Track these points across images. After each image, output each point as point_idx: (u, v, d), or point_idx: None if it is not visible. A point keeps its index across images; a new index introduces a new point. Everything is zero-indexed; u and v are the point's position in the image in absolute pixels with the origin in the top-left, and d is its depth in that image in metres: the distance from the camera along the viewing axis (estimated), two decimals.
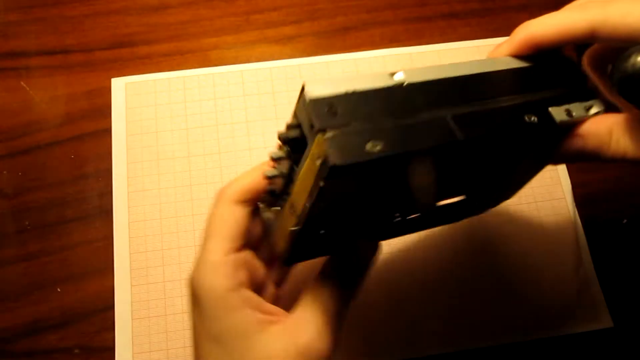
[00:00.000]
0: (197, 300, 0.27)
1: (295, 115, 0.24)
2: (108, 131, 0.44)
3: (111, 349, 0.38)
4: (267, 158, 0.29)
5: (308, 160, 0.24)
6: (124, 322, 0.39)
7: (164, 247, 0.41)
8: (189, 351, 0.38)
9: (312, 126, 0.22)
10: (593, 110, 0.28)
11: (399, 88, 0.24)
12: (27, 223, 0.41)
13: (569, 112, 0.27)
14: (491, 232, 0.42)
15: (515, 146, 0.28)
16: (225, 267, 0.27)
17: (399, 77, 0.25)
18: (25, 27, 0.47)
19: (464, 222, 0.42)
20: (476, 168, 0.29)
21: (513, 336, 0.40)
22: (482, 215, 0.43)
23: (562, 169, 0.44)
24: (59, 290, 0.40)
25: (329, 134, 0.22)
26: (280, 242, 0.28)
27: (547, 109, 0.27)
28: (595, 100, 0.28)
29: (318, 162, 0.22)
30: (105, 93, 0.45)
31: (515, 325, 0.40)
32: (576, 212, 0.43)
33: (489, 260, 0.41)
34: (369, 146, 0.22)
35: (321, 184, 0.22)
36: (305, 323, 0.27)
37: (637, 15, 0.23)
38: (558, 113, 0.27)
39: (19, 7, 0.48)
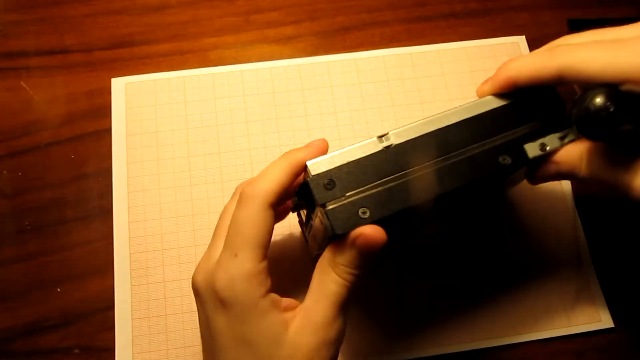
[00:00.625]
0: (227, 305, 0.28)
1: (304, 177, 0.29)
2: (108, 131, 0.44)
3: (111, 349, 0.38)
4: (267, 158, 0.31)
5: (317, 220, 0.29)
6: (124, 322, 0.39)
7: (164, 247, 0.41)
8: (188, 351, 0.38)
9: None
10: (568, 139, 0.30)
11: (387, 150, 0.29)
12: (27, 223, 0.41)
13: (543, 146, 0.30)
14: (491, 233, 0.42)
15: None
16: (259, 275, 0.28)
17: (387, 141, 0.29)
18: (25, 27, 0.47)
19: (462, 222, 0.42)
20: (468, 189, 0.31)
21: (513, 337, 0.40)
22: (481, 215, 0.43)
23: None
24: (59, 290, 0.40)
25: (328, 207, 0.27)
26: (312, 251, 0.34)
27: (522, 146, 0.30)
28: (570, 128, 0.30)
29: (322, 228, 0.28)
30: (105, 93, 0.45)
31: (515, 325, 0.40)
32: (576, 212, 0.43)
33: (488, 260, 0.41)
34: (360, 213, 0.27)
35: (328, 241, 0.28)
36: (317, 315, 0.28)
37: (598, 62, 0.27)
38: (532, 149, 0.30)
39: (19, 7, 0.48)
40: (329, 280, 0.29)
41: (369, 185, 0.28)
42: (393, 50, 0.48)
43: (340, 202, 0.28)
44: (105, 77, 0.46)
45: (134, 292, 0.40)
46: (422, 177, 0.29)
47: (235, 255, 0.28)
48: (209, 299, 0.29)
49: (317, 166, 0.29)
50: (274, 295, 0.29)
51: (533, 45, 0.48)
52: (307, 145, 0.31)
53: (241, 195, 0.30)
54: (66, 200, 0.42)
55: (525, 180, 0.41)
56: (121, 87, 0.45)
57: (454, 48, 0.48)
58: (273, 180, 0.29)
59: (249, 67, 0.46)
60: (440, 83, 0.47)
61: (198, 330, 0.39)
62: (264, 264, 0.28)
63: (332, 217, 0.27)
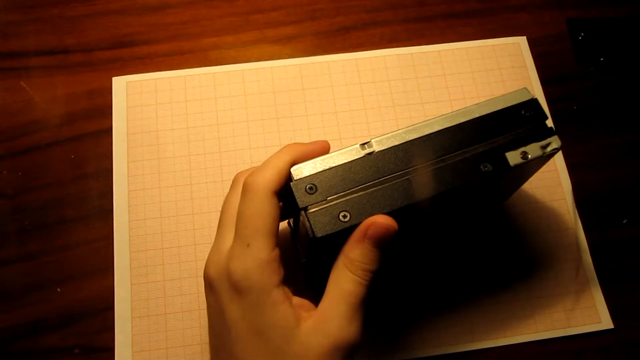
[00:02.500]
0: (243, 294, 0.28)
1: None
2: (108, 131, 0.44)
3: (111, 349, 0.38)
4: (267, 157, 0.31)
5: (301, 224, 0.29)
6: (124, 320, 0.39)
7: (164, 245, 0.41)
8: (188, 350, 0.38)
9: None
10: (550, 148, 0.30)
11: (369, 157, 0.30)
12: (27, 223, 0.41)
13: (524, 155, 0.30)
14: (490, 233, 0.42)
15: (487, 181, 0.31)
16: (273, 263, 0.28)
17: (369, 148, 0.30)
18: (25, 27, 0.47)
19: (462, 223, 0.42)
20: (459, 195, 0.31)
21: (513, 337, 0.40)
22: (481, 216, 0.43)
23: (562, 170, 0.44)
24: (59, 290, 0.40)
25: (310, 211, 0.28)
26: (301, 257, 0.34)
27: (504, 154, 0.30)
28: (553, 137, 0.31)
29: (305, 231, 0.28)
30: (106, 93, 0.45)
31: (514, 326, 0.40)
32: (576, 213, 0.43)
33: (488, 261, 0.41)
34: (341, 216, 0.28)
35: (310, 243, 0.28)
36: (333, 317, 0.28)
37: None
38: (514, 157, 0.30)
39: (19, 7, 0.48)
40: (343, 280, 0.28)
41: (350, 190, 0.29)
42: (394, 50, 0.48)
43: (321, 205, 0.28)
44: (106, 77, 0.46)
45: (134, 291, 0.40)
46: (403, 182, 0.29)
47: (248, 245, 0.28)
48: (224, 290, 0.28)
49: (300, 171, 0.29)
50: (286, 289, 0.28)
51: (533, 45, 0.48)
52: (311, 142, 0.31)
53: (245, 186, 0.29)
54: (66, 200, 0.42)
55: (526, 182, 0.41)
56: (122, 86, 0.45)
57: (455, 48, 0.48)
58: (275, 169, 0.29)
59: (250, 67, 0.46)
60: (441, 83, 0.47)
61: (197, 329, 0.39)
62: (276, 251, 0.28)
63: (313, 220, 0.28)
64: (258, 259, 0.28)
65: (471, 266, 0.41)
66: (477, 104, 0.32)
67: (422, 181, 0.29)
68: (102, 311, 0.39)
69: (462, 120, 0.31)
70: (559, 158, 0.45)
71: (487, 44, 0.48)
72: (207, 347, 0.38)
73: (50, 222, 0.41)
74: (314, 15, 0.49)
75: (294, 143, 0.31)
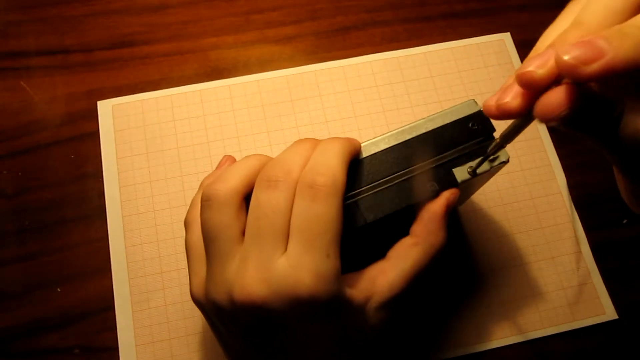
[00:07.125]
0: (337, 311, 0.26)
1: None
2: None
3: (111, 349, 0.38)
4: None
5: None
6: (125, 319, 0.39)
7: (162, 269, 0.40)
8: (190, 344, 0.38)
9: None
10: (498, 161, 0.30)
11: None
12: (27, 223, 0.41)
13: (472, 170, 0.29)
14: (489, 231, 0.42)
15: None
16: (340, 271, 0.26)
17: None
18: (25, 27, 0.47)
19: (461, 222, 0.42)
20: (409, 211, 0.31)
21: (517, 336, 0.40)
22: (480, 214, 0.43)
23: (555, 164, 0.44)
24: (59, 290, 0.40)
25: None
26: None
27: (451, 171, 0.30)
28: (501, 150, 0.29)
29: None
30: (106, 93, 0.45)
31: (519, 324, 0.40)
32: (572, 206, 0.43)
33: (489, 259, 0.41)
34: None
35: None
36: (389, 275, 0.28)
37: None
38: (461, 173, 0.30)
39: (19, 7, 0.48)
40: (405, 252, 0.29)
41: None
42: (380, 55, 0.47)
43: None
44: (105, 77, 0.46)
45: (133, 292, 0.40)
46: (347, 206, 0.28)
47: (327, 255, 0.25)
48: (306, 314, 0.25)
49: None
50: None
51: (526, 44, 0.48)
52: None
53: (316, 189, 0.25)
54: (66, 200, 0.42)
55: (521, 179, 0.41)
56: (108, 110, 0.44)
57: (440, 49, 0.48)
58: (233, 179, 0.27)
59: (237, 81, 0.46)
60: (429, 85, 0.46)
61: (201, 319, 0.39)
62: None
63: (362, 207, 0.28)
64: (337, 270, 0.26)
65: (470, 265, 0.41)
66: (424, 118, 0.31)
67: (368, 204, 0.28)
68: (102, 311, 0.39)
69: (409, 137, 0.30)
70: (552, 153, 0.45)
71: (472, 43, 0.48)
72: None
73: (50, 222, 0.41)
74: (314, 15, 0.49)
75: (348, 138, 0.29)
